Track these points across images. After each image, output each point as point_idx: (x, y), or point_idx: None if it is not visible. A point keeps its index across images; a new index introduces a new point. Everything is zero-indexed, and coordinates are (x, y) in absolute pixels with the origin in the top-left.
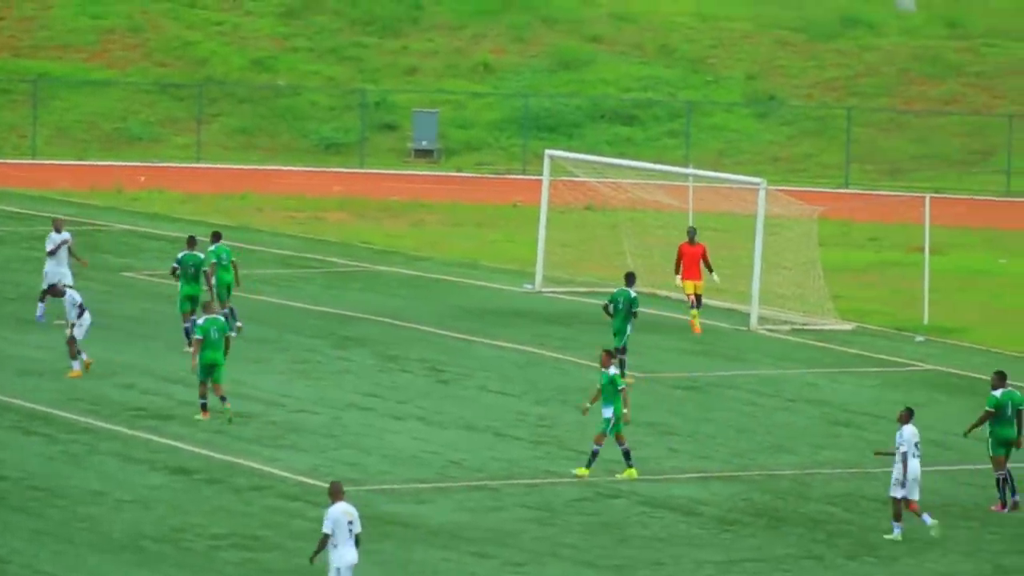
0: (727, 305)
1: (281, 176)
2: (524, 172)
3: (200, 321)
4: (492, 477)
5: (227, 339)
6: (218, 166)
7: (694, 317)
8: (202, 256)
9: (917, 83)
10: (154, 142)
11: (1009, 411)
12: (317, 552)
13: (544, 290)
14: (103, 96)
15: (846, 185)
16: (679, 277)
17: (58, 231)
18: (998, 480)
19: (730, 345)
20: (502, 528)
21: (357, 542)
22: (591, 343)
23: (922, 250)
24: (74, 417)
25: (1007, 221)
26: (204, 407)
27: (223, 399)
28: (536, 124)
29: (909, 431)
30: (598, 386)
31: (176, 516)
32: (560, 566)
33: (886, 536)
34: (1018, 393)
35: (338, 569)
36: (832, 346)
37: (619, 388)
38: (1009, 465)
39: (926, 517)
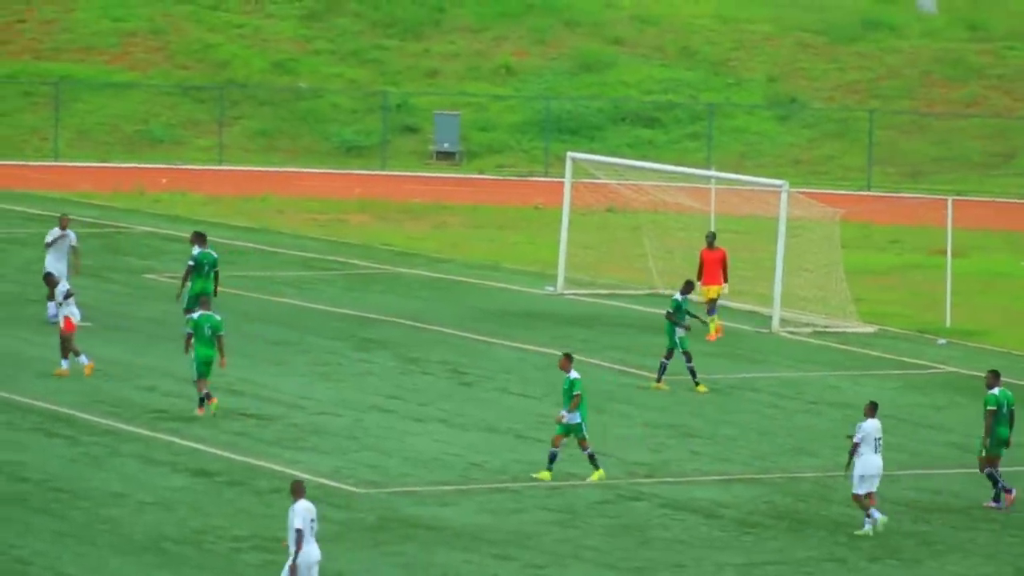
0: (749, 307)
1: (302, 178)
2: (546, 174)
3: (195, 315)
4: (514, 479)
5: (219, 339)
6: (240, 168)
7: (710, 324)
8: (216, 255)
9: (938, 86)
10: (176, 144)
11: (1004, 409)
12: (298, 550)
13: (566, 292)
14: (125, 99)
15: (868, 188)
16: (700, 283)
17: (63, 228)
18: (991, 476)
19: (752, 347)
20: (524, 530)
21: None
22: (613, 345)
23: (944, 253)
24: (96, 419)
25: None
26: (201, 403)
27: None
28: (558, 126)
29: (870, 425)
30: (576, 392)
31: (197, 518)
32: (582, 568)
33: (856, 532)
34: (1010, 392)
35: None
36: (854, 348)
37: (574, 393)
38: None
39: (875, 512)
